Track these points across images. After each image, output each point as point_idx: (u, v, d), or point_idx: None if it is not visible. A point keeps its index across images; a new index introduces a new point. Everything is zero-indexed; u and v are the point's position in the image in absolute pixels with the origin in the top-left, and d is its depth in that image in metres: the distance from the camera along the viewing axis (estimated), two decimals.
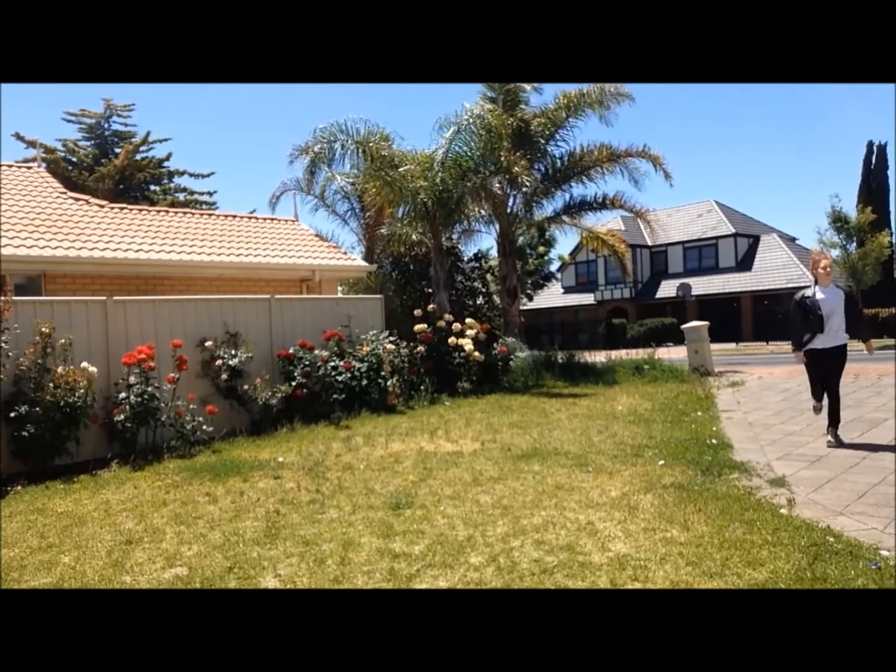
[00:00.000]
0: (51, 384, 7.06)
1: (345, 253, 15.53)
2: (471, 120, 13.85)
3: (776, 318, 30.94)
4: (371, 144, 13.97)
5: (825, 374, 6.62)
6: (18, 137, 28.37)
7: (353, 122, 14.30)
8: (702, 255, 35.53)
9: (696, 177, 79.14)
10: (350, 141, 14.22)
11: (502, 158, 14.13)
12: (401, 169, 13.91)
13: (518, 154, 14.56)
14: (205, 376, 8.90)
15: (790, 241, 35.15)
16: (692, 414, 8.90)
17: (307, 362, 9.60)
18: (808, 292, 6.56)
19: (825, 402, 6.72)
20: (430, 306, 13.31)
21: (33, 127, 55.44)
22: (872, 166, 33.44)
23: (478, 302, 20.48)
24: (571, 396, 11.48)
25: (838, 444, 6.49)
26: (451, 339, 12.17)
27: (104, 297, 8.37)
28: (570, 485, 5.57)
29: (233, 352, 8.99)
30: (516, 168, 14.07)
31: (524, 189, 15.19)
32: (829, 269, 6.52)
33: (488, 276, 22.39)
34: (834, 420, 6.63)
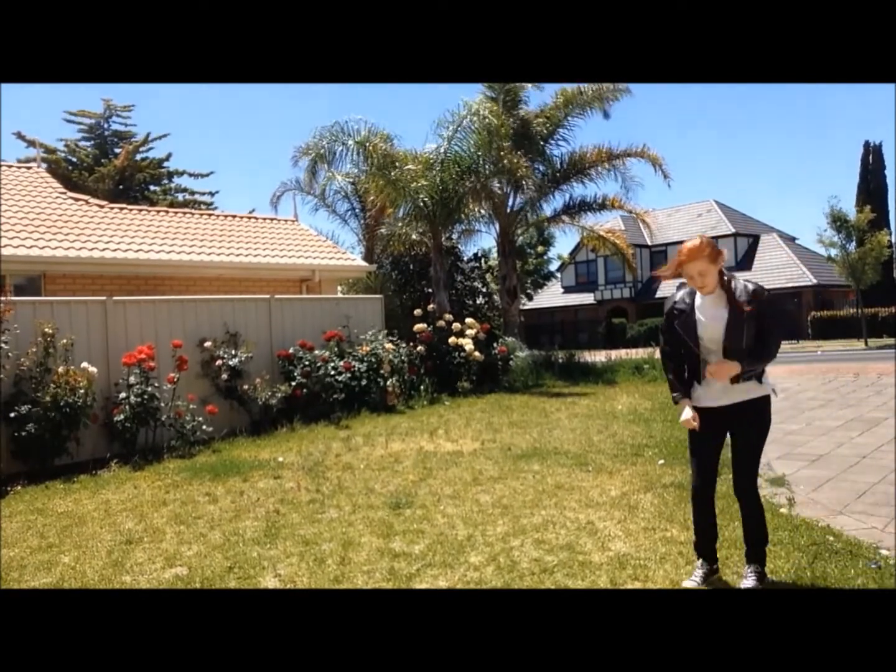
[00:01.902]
0: (51, 384, 7.06)
1: (345, 253, 15.53)
2: (469, 117, 13.85)
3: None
4: (372, 144, 13.97)
5: (726, 451, 3.44)
6: (20, 136, 28.42)
7: (353, 122, 14.35)
8: None
9: (696, 177, 79.19)
10: (351, 141, 14.24)
11: (504, 160, 14.13)
12: (403, 168, 13.90)
13: (519, 154, 14.56)
14: (205, 376, 8.90)
15: (790, 240, 35.18)
16: None
17: (307, 362, 9.60)
18: (680, 295, 3.42)
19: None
20: (430, 306, 13.31)
21: (34, 127, 55.41)
22: (870, 166, 33.47)
23: (478, 302, 20.49)
24: (571, 396, 11.48)
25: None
26: (452, 339, 12.17)
27: (104, 298, 8.37)
28: (569, 484, 5.57)
29: (233, 352, 8.99)
30: (520, 171, 14.09)
31: (530, 193, 15.20)
32: (705, 284, 3.25)
33: (488, 276, 22.40)
34: (757, 551, 3.33)
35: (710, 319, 3.28)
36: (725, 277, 3.28)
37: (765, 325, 3.23)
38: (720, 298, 3.27)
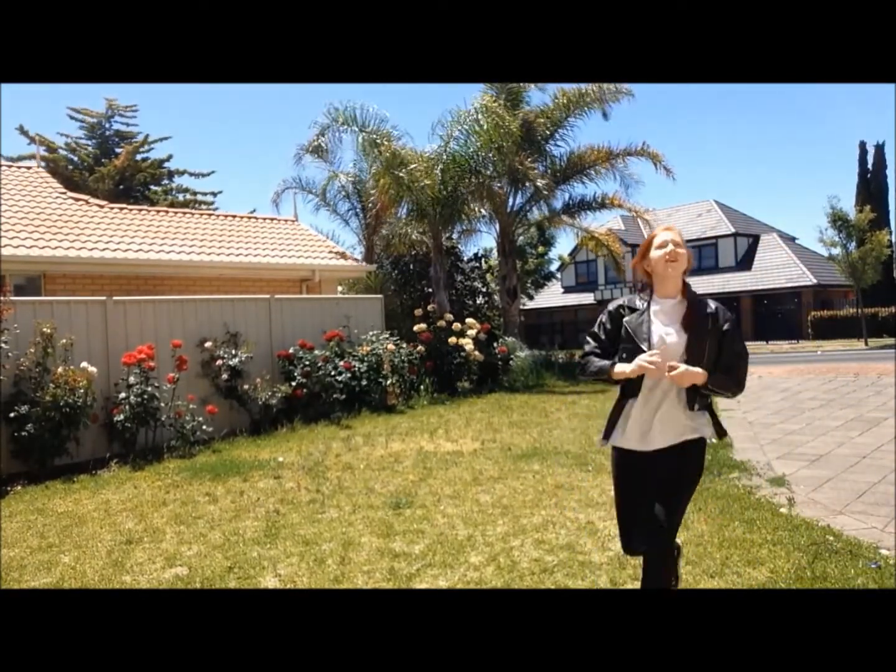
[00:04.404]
0: (51, 384, 7.06)
1: (345, 253, 15.53)
2: (476, 116, 13.82)
3: (776, 317, 31.03)
4: (381, 137, 13.96)
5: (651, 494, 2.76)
6: (22, 131, 28.43)
7: (362, 111, 14.35)
8: (701, 255, 35.49)
9: (696, 177, 79.24)
10: (359, 131, 14.24)
11: (515, 161, 14.13)
12: (411, 167, 13.88)
13: (524, 154, 14.59)
14: (205, 376, 8.90)
15: (790, 240, 35.16)
16: None
17: (307, 362, 9.60)
18: (634, 303, 2.82)
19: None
20: (430, 306, 13.31)
21: (34, 127, 55.36)
22: (871, 166, 33.46)
23: (478, 302, 20.49)
24: (571, 396, 11.48)
25: None
26: (452, 339, 12.17)
27: (104, 297, 8.37)
28: (570, 484, 5.57)
29: (233, 352, 8.99)
30: (531, 172, 14.14)
31: (542, 192, 15.22)
32: (678, 256, 2.71)
33: (488, 276, 22.40)
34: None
35: (668, 327, 2.72)
36: (691, 288, 2.84)
37: (731, 350, 2.72)
38: (681, 307, 2.76)
